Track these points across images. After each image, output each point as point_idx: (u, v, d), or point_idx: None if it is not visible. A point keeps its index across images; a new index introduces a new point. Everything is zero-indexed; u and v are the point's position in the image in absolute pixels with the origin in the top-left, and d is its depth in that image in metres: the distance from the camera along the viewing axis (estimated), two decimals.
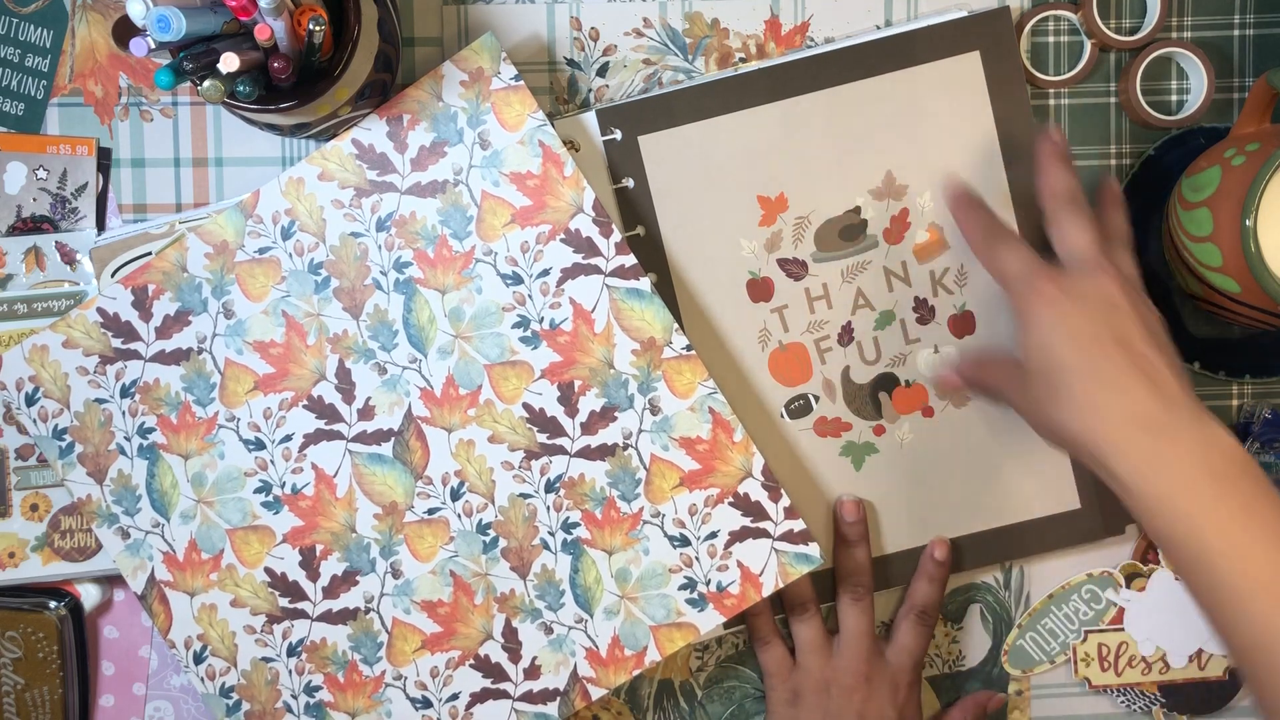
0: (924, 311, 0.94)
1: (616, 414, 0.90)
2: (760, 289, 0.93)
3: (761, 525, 0.90)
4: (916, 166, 0.92)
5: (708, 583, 0.91)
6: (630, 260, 0.89)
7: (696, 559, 0.91)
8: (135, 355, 0.91)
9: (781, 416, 0.94)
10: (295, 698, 0.92)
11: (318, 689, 0.92)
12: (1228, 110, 0.96)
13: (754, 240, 0.93)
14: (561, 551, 0.91)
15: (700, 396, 0.90)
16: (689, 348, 0.90)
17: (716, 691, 0.98)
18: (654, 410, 0.90)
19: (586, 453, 0.91)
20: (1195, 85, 0.94)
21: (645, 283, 0.90)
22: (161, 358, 0.91)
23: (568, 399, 0.90)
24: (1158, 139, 0.95)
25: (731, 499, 0.90)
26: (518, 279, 0.90)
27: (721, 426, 0.90)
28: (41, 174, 0.92)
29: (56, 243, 0.92)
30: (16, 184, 0.92)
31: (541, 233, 0.90)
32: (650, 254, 0.92)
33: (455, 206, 0.90)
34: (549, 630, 0.92)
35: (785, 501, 0.90)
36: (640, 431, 0.90)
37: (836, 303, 0.93)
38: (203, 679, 0.92)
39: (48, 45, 0.92)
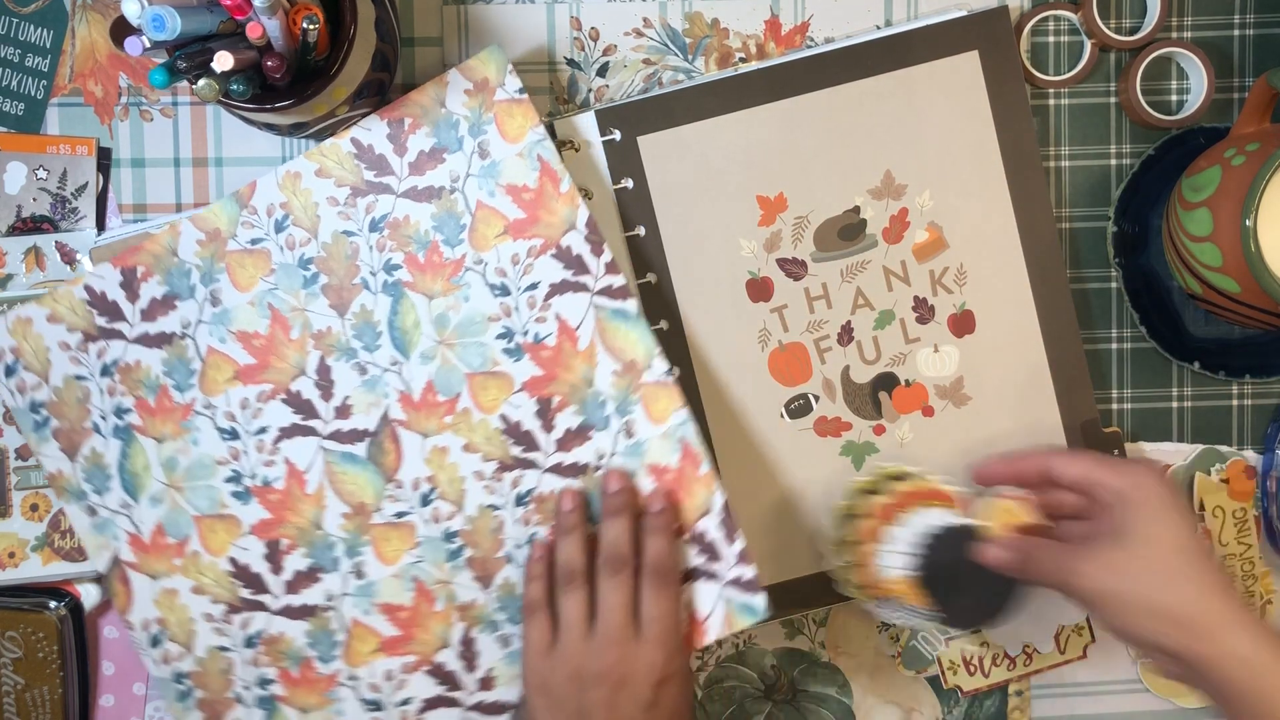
0: (923, 311, 0.93)
1: (592, 433, 0.90)
2: (760, 289, 0.93)
3: (713, 567, 0.89)
4: (915, 166, 0.92)
5: None
6: (619, 281, 0.89)
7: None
8: (119, 335, 0.91)
9: (781, 416, 0.94)
10: (248, 689, 0.92)
11: (271, 682, 0.92)
12: (1228, 110, 0.95)
13: (753, 240, 0.93)
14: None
15: (673, 425, 0.90)
16: (669, 373, 0.89)
17: (717, 691, 0.98)
18: (629, 433, 0.90)
19: (559, 469, 0.91)
20: (1195, 85, 0.94)
21: (632, 304, 0.89)
22: (144, 340, 0.91)
23: (545, 414, 0.90)
24: (1158, 139, 0.95)
25: (689, 535, 0.90)
26: (505, 290, 0.90)
27: (689, 458, 0.89)
28: (41, 174, 0.93)
29: (56, 243, 0.92)
30: (16, 184, 0.93)
31: (533, 246, 0.89)
32: (650, 254, 0.92)
33: (449, 213, 0.90)
34: (507, 643, 0.92)
35: (740, 544, 0.89)
36: (614, 454, 0.90)
37: (836, 302, 0.93)
38: (157, 663, 0.92)
39: (48, 45, 0.92)
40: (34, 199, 0.93)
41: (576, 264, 0.89)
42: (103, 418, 0.91)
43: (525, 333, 0.90)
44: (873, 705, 0.97)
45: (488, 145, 0.89)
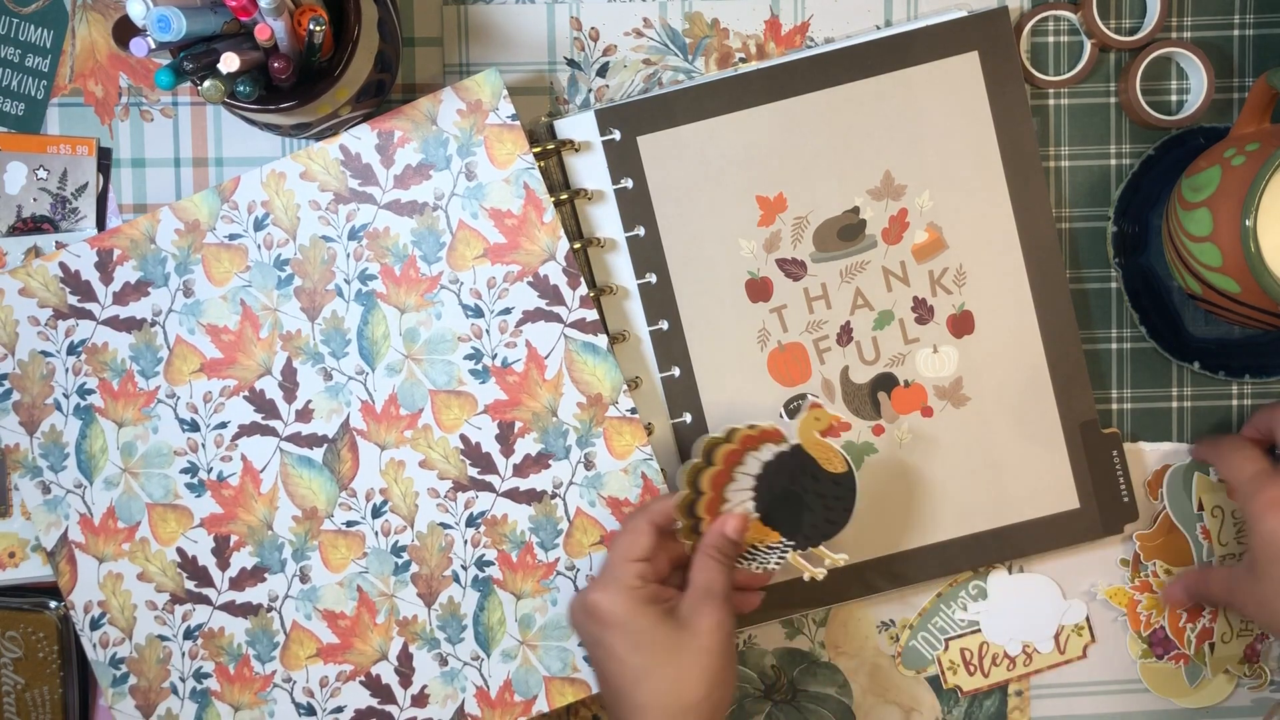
0: (923, 311, 0.94)
1: (551, 462, 0.91)
2: (759, 289, 0.93)
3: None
4: (915, 166, 0.92)
5: None
6: (592, 315, 0.90)
7: None
8: (89, 315, 0.91)
9: (781, 417, 0.94)
10: (183, 680, 0.92)
11: (207, 676, 0.92)
12: (1228, 110, 0.96)
13: (753, 240, 0.93)
14: (471, 587, 0.92)
15: (636, 460, 0.91)
16: (634, 411, 0.90)
17: None
18: (588, 465, 0.91)
19: (514, 494, 0.91)
20: (1195, 85, 0.94)
21: (603, 340, 0.90)
22: (114, 323, 0.91)
23: (506, 438, 0.91)
24: (1158, 139, 0.95)
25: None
26: (479, 312, 0.90)
27: (651, 494, 0.91)
28: (42, 174, 0.92)
29: (56, 243, 0.92)
30: (17, 184, 0.92)
31: (510, 272, 0.90)
32: (649, 254, 0.92)
33: (430, 230, 0.90)
34: (444, 662, 0.92)
35: None
36: (570, 484, 0.91)
37: (835, 303, 0.93)
38: (95, 645, 0.92)
39: (48, 45, 0.92)
40: (34, 199, 0.92)
41: (552, 294, 0.90)
42: (65, 396, 0.91)
43: (494, 356, 0.90)
44: (873, 705, 0.98)
45: (475, 167, 0.89)
